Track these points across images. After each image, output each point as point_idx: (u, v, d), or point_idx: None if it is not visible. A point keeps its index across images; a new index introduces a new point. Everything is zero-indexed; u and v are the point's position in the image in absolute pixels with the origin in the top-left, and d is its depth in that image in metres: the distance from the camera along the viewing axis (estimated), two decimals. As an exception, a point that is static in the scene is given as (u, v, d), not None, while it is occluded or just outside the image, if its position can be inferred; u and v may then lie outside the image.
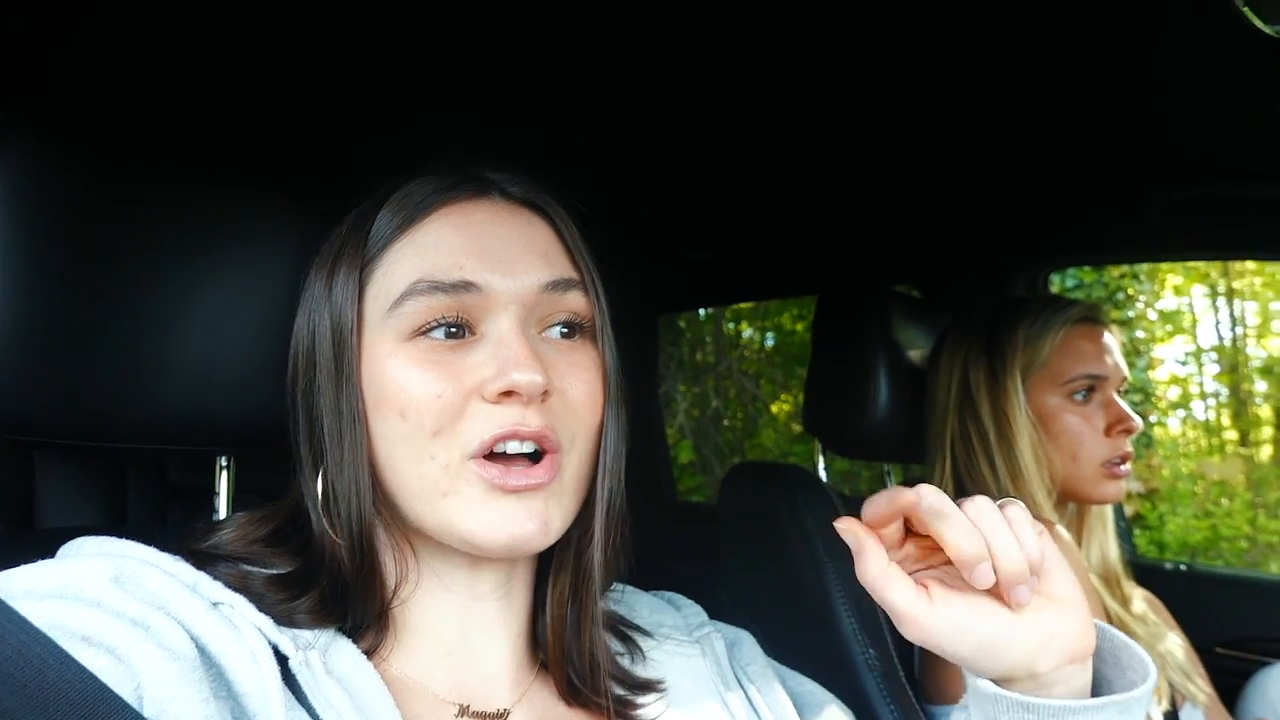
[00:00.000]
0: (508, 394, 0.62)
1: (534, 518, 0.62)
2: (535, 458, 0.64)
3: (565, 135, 1.33)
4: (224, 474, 0.91)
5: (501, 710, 0.68)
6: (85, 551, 0.61)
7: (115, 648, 0.52)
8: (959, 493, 1.29)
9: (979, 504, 0.60)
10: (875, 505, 0.60)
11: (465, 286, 0.64)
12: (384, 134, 1.26)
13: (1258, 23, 0.81)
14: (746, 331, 6.30)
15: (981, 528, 0.58)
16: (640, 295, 2.27)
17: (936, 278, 1.86)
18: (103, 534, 0.63)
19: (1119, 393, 1.31)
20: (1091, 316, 1.33)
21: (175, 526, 0.62)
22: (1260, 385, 7.62)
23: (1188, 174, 1.39)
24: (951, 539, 0.58)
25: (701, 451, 5.63)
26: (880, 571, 0.60)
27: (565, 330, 0.68)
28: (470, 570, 0.69)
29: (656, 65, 1.11)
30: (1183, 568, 1.77)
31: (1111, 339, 1.33)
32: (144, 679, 0.51)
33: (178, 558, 0.60)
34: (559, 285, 0.67)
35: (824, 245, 1.88)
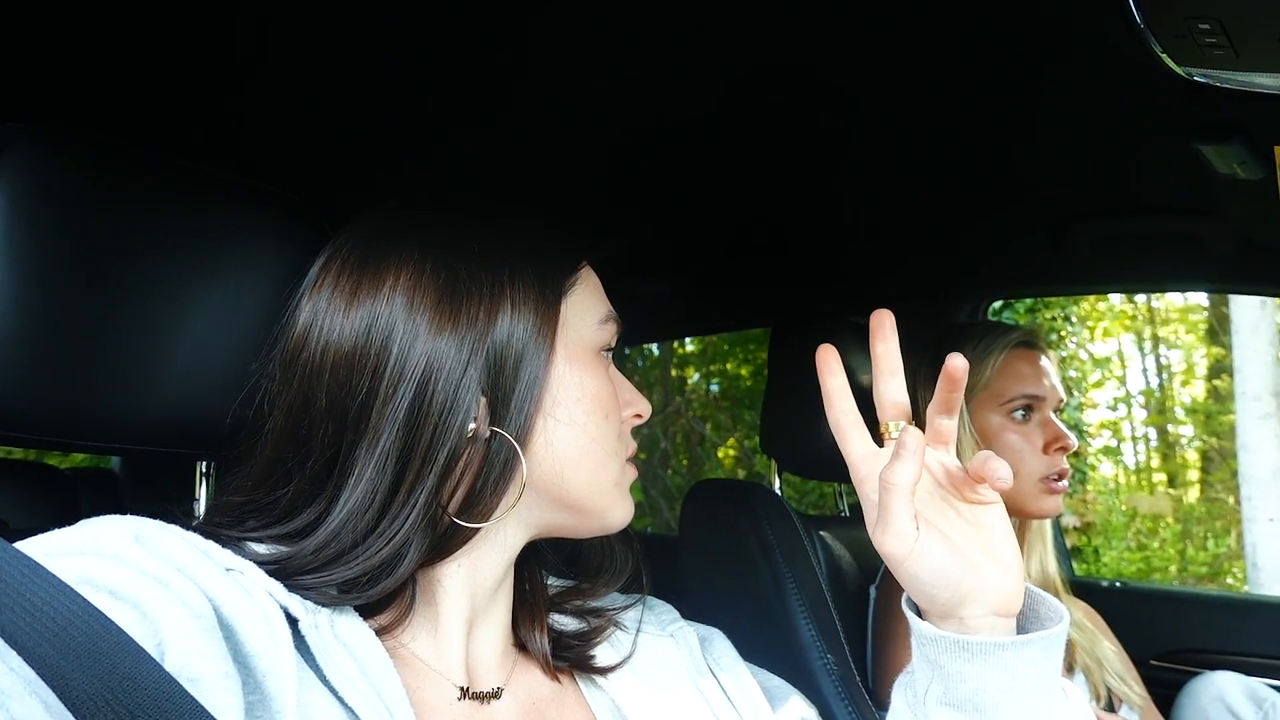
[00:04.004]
0: (637, 416, 0.79)
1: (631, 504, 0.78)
2: None
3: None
4: (205, 480, 0.93)
5: (495, 689, 0.72)
6: (94, 520, 0.63)
7: (140, 603, 0.53)
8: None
9: None
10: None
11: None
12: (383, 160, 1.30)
13: (1171, 65, 0.90)
14: (694, 377, 6.39)
15: None
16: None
17: (882, 308, 1.93)
18: None
19: (1055, 413, 1.39)
20: (1029, 341, 1.41)
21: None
22: (1186, 429, 7.94)
23: (1112, 210, 1.50)
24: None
25: (650, 493, 5.65)
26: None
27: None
28: (502, 553, 0.74)
29: (611, 103, 1.17)
30: (1118, 584, 1.85)
31: (1048, 362, 1.41)
32: (166, 634, 0.53)
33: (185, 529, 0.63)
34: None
35: (776, 278, 1.95)
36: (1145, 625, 1.64)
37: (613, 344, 0.77)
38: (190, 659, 0.53)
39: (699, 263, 1.91)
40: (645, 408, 0.80)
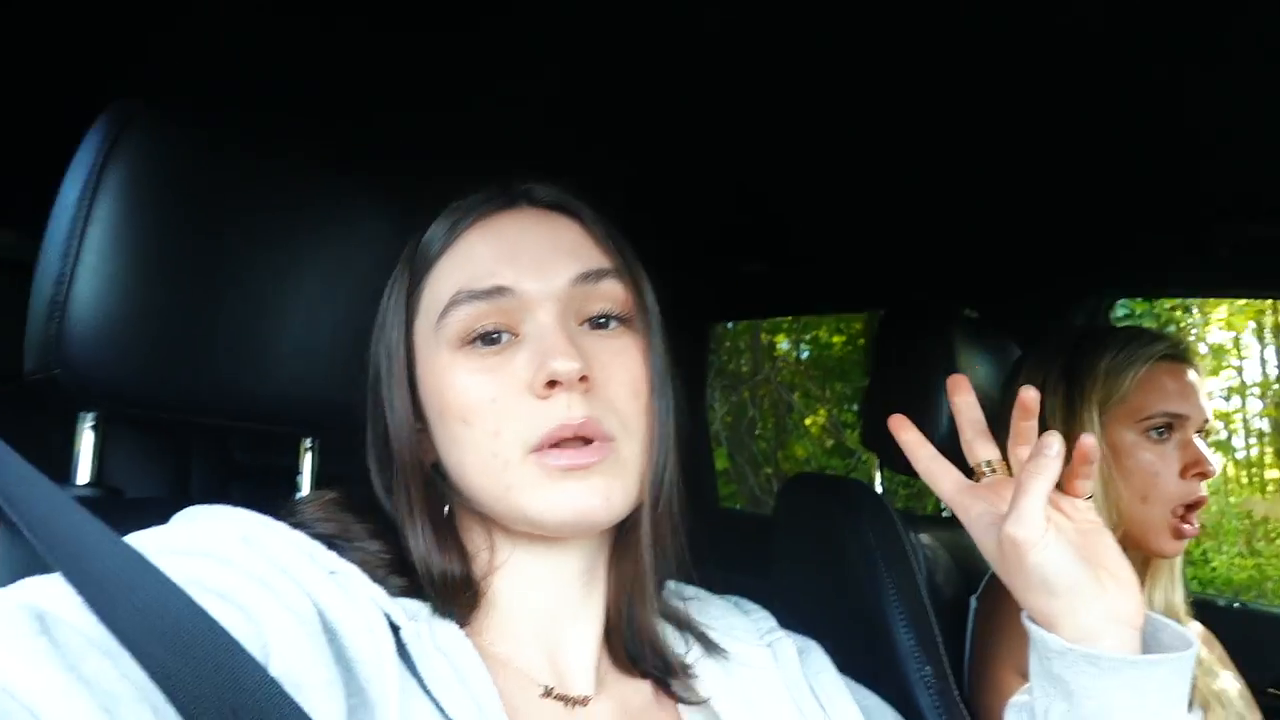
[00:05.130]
0: (552, 385, 0.64)
1: (595, 493, 0.65)
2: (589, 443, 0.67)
3: (618, 144, 1.35)
4: (308, 455, 0.93)
5: (583, 696, 0.70)
6: (202, 516, 0.63)
7: (246, 605, 0.54)
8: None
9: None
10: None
11: (499, 291, 0.67)
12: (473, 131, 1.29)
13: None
14: (783, 343, 6.30)
15: None
16: (693, 303, 2.28)
17: (996, 300, 1.85)
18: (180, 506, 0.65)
19: (1199, 434, 1.27)
20: (1176, 354, 1.29)
21: (240, 503, 0.64)
22: (1307, 424, 7.47)
23: (1261, 211, 1.38)
24: None
25: (735, 460, 5.63)
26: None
27: (603, 320, 0.70)
28: (554, 555, 0.71)
29: (709, 73, 1.12)
30: (1236, 605, 1.75)
31: (1196, 378, 1.29)
32: (271, 638, 0.53)
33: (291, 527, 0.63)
34: (590, 276, 0.69)
35: (883, 262, 1.88)
36: (1263, 650, 1.53)
37: (483, 327, 0.67)
38: (295, 664, 0.53)
39: (798, 242, 1.85)
40: (556, 369, 0.64)
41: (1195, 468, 1.24)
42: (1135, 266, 1.70)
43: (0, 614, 0.41)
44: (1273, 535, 5.77)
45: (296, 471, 0.93)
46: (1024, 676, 1.20)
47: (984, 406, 1.40)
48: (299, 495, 0.93)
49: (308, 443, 0.94)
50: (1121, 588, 0.68)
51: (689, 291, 2.16)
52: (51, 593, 0.48)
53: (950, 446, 1.39)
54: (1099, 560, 0.69)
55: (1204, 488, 1.24)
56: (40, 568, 0.53)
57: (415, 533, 0.67)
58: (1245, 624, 1.62)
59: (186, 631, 0.48)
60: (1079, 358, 1.29)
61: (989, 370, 1.50)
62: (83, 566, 0.48)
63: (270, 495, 0.92)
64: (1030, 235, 1.66)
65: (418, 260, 0.72)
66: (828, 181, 1.50)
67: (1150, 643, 0.70)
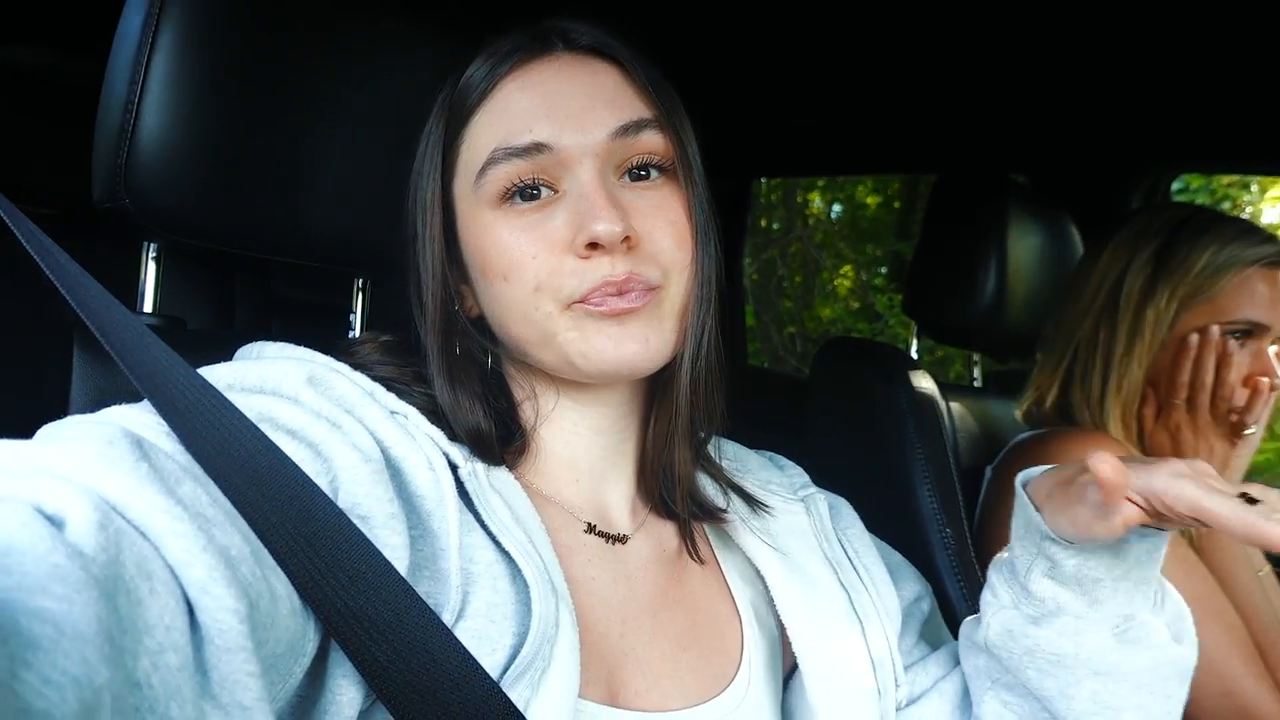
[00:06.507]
0: (593, 246, 0.64)
1: (633, 338, 0.66)
2: None
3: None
4: (360, 295, 0.95)
5: (622, 534, 0.74)
6: (268, 354, 0.65)
7: (316, 443, 0.56)
8: (1062, 394, 1.29)
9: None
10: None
11: (538, 149, 0.66)
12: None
13: None
14: (816, 201, 6.17)
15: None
16: (737, 156, 2.22)
17: (1051, 170, 1.79)
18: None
19: (1275, 344, 1.23)
20: (1278, 260, 1.23)
21: (282, 337, 0.66)
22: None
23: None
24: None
25: (761, 318, 5.64)
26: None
27: (644, 172, 0.69)
28: (592, 405, 0.73)
29: None
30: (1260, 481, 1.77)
31: None
32: (340, 474, 0.55)
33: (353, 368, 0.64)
34: (630, 128, 0.67)
35: (937, 125, 1.81)
36: None
37: (522, 182, 0.66)
38: (360, 498, 0.55)
39: (849, 99, 1.78)
40: (597, 231, 0.63)
41: (1263, 375, 1.20)
42: (1207, 140, 1.62)
43: (103, 437, 0.43)
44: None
45: (348, 310, 0.95)
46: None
47: (1030, 279, 1.37)
48: (352, 334, 0.95)
49: (359, 282, 0.94)
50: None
51: (733, 144, 2.11)
52: (141, 420, 0.50)
53: (987, 323, 1.39)
54: None
55: (1263, 403, 1.20)
56: (113, 397, 0.55)
57: (440, 384, 0.69)
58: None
59: (262, 465, 0.50)
60: (1176, 245, 1.24)
61: (1038, 241, 1.47)
62: (167, 396, 0.50)
63: (313, 331, 0.94)
64: (1090, 101, 1.58)
65: (453, 110, 0.70)
66: (882, 37, 1.43)
67: None
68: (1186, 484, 0.59)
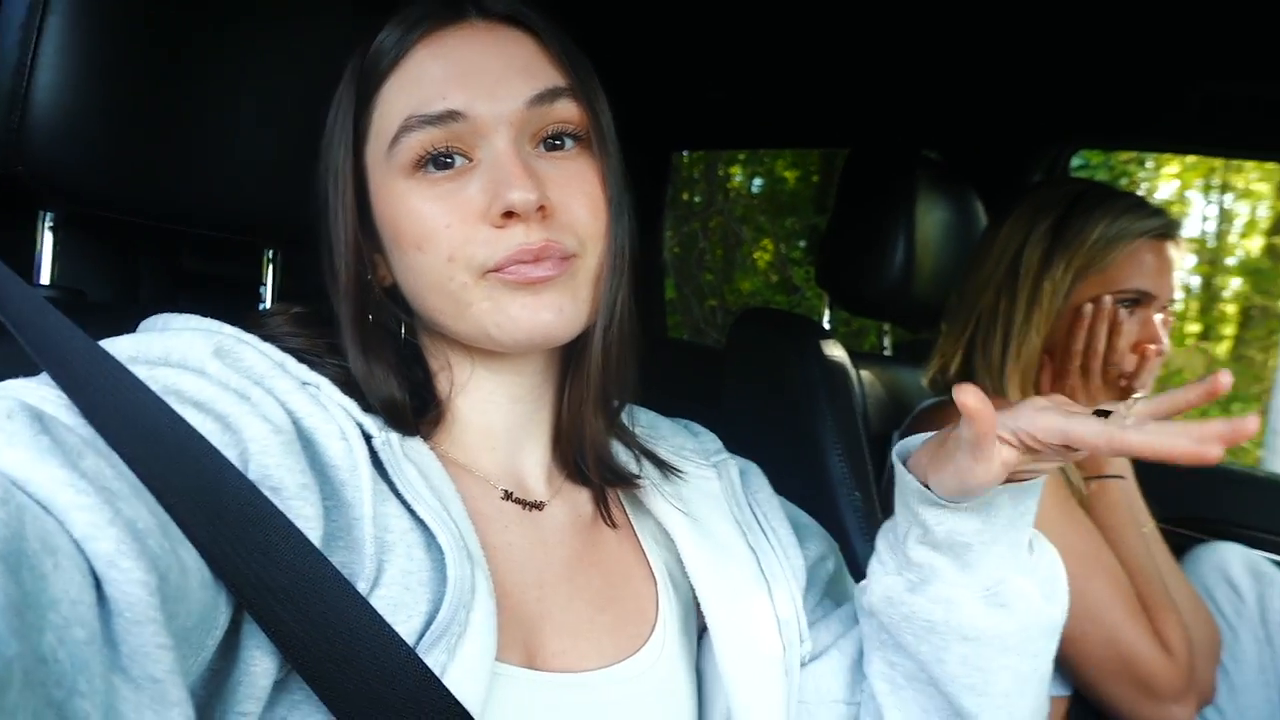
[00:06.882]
0: (509, 215, 0.64)
1: (548, 307, 0.66)
2: None
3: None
4: (270, 266, 0.93)
5: (539, 501, 0.75)
6: (174, 326, 0.64)
7: (224, 415, 0.55)
8: (965, 362, 1.34)
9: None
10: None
11: (451, 116, 0.65)
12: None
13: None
14: (737, 175, 6.23)
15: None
16: (653, 129, 2.23)
17: (959, 145, 1.85)
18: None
19: (1161, 312, 1.30)
20: (1169, 233, 1.29)
21: (189, 311, 0.65)
22: (1235, 283, 7.76)
23: (1235, 69, 1.38)
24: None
25: (682, 291, 5.68)
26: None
27: (559, 141, 0.69)
28: (508, 374, 0.74)
29: None
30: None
31: (1176, 256, 1.30)
32: (250, 446, 0.55)
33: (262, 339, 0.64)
34: (545, 97, 0.68)
35: (850, 99, 1.85)
36: (1162, 490, 1.67)
37: (435, 151, 0.66)
38: (271, 470, 0.55)
39: (764, 72, 1.80)
40: (512, 200, 0.63)
41: (1149, 342, 1.27)
42: (1106, 118, 1.69)
43: (0, 411, 0.42)
44: (1182, 385, 6.09)
45: (258, 283, 0.93)
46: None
47: (937, 252, 1.41)
48: (262, 307, 0.93)
49: (270, 254, 0.93)
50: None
51: (650, 117, 2.12)
52: (40, 394, 0.49)
53: (897, 294, 1.44)
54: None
55: (1147, 369, 1.27)
56: (10, 371, 0.54)
57: (353, 355, 0.69)
58: (1151, 464, 1.73)
59: (168, 437, 0.49)
60: (1072, 219, 1.29)
61: (945, 214, 1.52)
62: (67, 368, 0.49)
63: (223, 305, 0.92)
64: (996, 79, 1.64)
65: (364, 77, 0.69)
66: (795, 10, 1.46)
67: None
68: (1049, 414, 0.60)
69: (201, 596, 0.47)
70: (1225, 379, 0.58)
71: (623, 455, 0.82)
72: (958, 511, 0.68)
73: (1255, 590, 1.49)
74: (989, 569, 0.71)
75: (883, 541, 0.77)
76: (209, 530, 0.49)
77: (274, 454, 0.55)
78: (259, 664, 0.52)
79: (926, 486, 0.69)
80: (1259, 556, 1.56)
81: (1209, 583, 1.52)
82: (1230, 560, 1.54)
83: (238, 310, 0.72)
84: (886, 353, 1.71)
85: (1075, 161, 1.92)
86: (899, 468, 0.72)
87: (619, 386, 0.76)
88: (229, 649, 0.52)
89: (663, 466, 0.82)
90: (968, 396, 0.61)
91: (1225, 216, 7.89)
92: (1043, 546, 0.75)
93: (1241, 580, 1.51)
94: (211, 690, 0.52)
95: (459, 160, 0.67)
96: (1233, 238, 7.85)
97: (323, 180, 0.71)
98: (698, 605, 0.78)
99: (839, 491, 1.22)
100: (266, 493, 0.53)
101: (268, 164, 0.82)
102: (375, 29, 0.70)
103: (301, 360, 0.65)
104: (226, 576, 0.49)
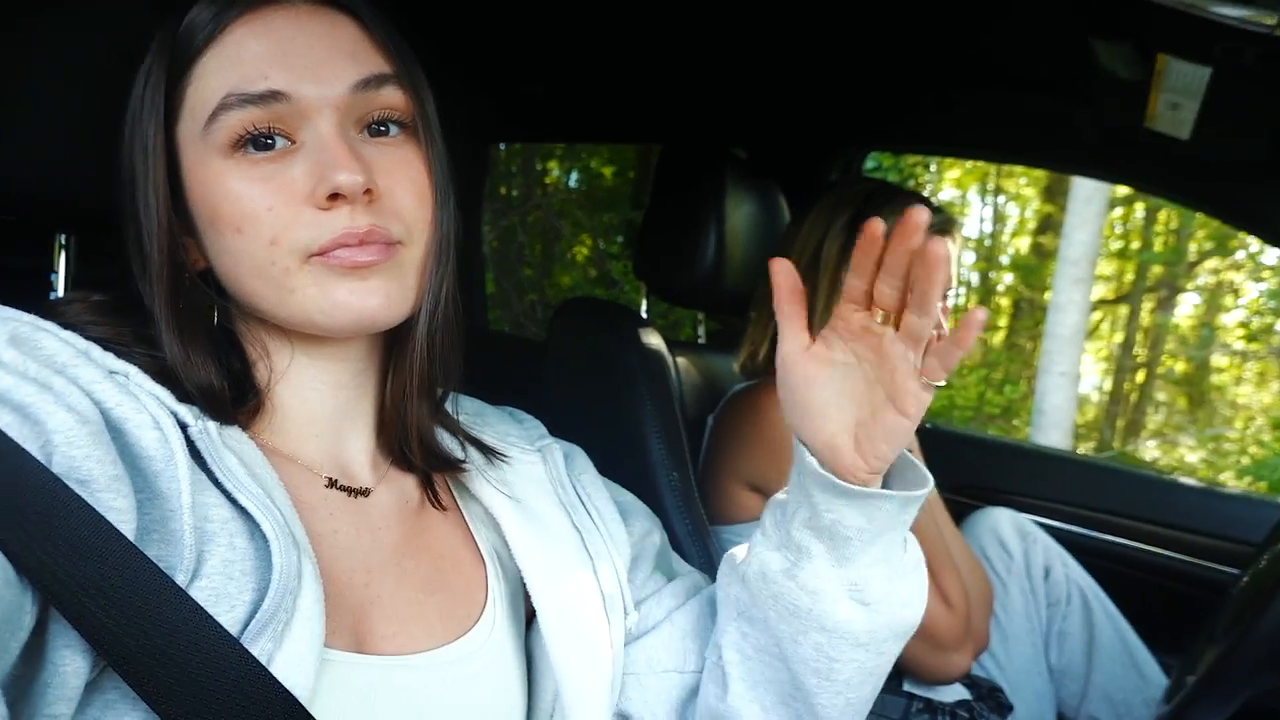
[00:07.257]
0: (335, 198, 0.64)
1: (375, 292, 0.66)
2: None
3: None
4: (63, 253, 0.87)
5: (364, 488, 0.75)
6: None
7: (23, 405, 0.52)
8: (772, 348, 1.43)
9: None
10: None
11: (274, 96, 0.64)
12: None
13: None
14: (554, 170, 6.26)
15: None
16: (472, 122, 2.22)
17: (764, 144, 1.96)
18: None
19: (941, 301, 1.42)
20: (945, 227, 1.40)
21: None
22: (1008, 278, 8.58)
23: (997, 77, 1.55)
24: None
25: (502, 285, 5.65)
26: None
27: (384, 128, 0.69)
28: (330, 360, 0.73)
29: None
30: (929, 426, 2.06)
31: (953, 248, 1.41)
32: (54, 437, 0.52)
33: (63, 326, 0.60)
34: (371, 83, 0.67)
35: (663, 96, 1.92)
36: (944, 462, 1.84)
37: (256, 131, 0.64)
38: (79, 461, 0.53)
39: (579, 68, 1.84)
40: (339, 181, 0.63)
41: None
42: (891, 123, 1.85)
43: None
44: (963, 371, 6.69)
45: (49, 271, 0.87)
46: (748, 486, 1.38)
47: (745, 244, 1.50)
48: (55, 296, 0.87)
49: (62, 239, 0.87)
50: (898, 423, 0.70)
51: (468, 109, 2.11)
52: None
53: (709, 285, 1.52)
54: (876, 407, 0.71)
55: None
56: None
57: (169, 341, 0.66)
58: (934, 440, 1.91)
59: None
60: (865, 214, 1.38)
61: (752, 209, 1.61)
62: None
63: (9, 296, 0.85)
64: (799, 85, 1.76)
65: (177, 52, 0.66)
66: (608, 7, 1.50)
67: (893, 471, 0.76)
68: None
69: (5, 595, 0.45)
70: (980, 314, 0.66)
71: (448, 441, 0.82)
72: (852, 502, 0.71)
73: (1022, 548, 1.68)
74: (861, 567, 0.74)
75: (769, 517, 0.79)
76: (9, 528, 0.46)
77: (81, 445, 0.53)
78: (70, 663, 0.50)
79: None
80: (1025, 519, 1.76)
81: (983, 543, 1.70)
82: (1001, 522, 1.73)
83: (25, 301, 0.67)
84: (701, 340, 1.79)
85: (869, 163, 2.08)
86: (801, 450, 0.74)
87: (443, 373, 0.77)
88: (34, 652, 0.50)
89: (487, 452, 0.83)
90: (777, 267, 0.73)
91: (999, 217, 8.72)
92: (914, 554, 0.78)
93: (1011, 540, 1.70)
94: (18, 694, 0.49)
95: (280, 141, 0.65)
96: (1005, 237, 8.69)
97: (129, 157, 0.68)
98: (525, 587, 0.80)
99: (658, 473, 1.27)
100: (74, 485, 0.51)
101: (57, 142, 0.76)
102: (183, 3, 0.68)
103: (107, 349, 0.62)
104: (32, 574, 0.47)
